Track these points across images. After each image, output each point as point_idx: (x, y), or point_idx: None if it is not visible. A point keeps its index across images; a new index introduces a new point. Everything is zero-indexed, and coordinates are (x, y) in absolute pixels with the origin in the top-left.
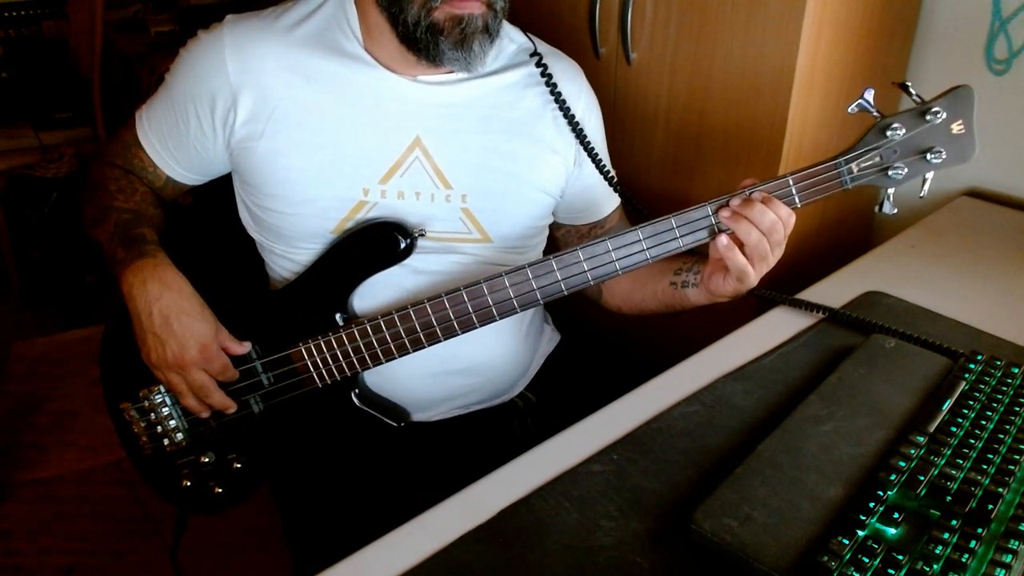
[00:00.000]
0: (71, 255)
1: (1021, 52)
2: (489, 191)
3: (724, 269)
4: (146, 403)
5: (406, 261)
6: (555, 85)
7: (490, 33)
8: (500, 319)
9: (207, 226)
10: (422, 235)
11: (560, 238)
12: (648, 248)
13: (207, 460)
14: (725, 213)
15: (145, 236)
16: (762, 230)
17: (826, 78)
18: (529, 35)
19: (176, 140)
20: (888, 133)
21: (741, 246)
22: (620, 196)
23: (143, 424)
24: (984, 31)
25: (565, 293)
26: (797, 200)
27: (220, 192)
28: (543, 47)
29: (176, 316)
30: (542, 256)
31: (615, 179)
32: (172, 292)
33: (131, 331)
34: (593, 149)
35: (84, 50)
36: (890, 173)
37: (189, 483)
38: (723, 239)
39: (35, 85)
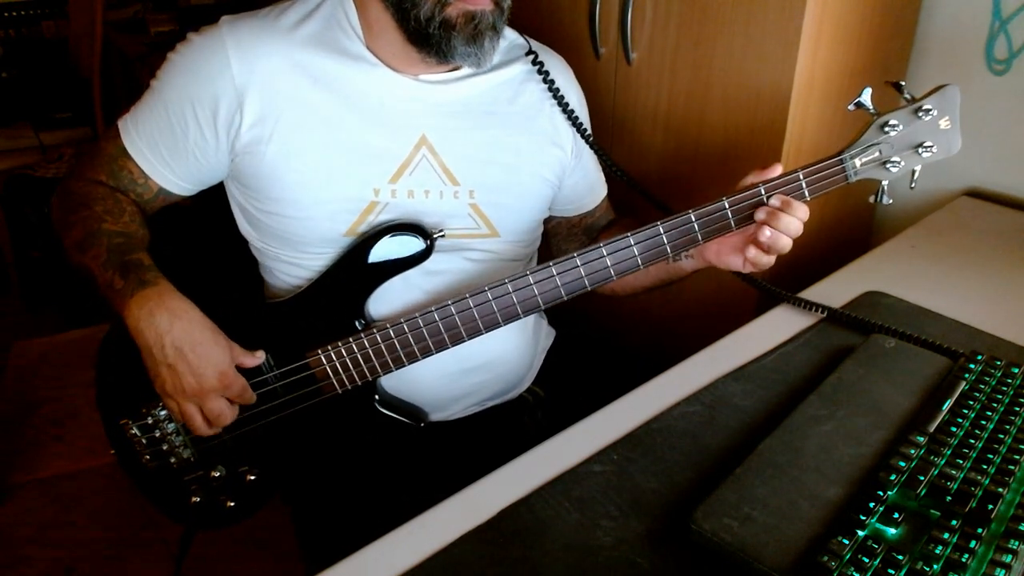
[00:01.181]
0: None
1: (1021, 52)
2: (495, 186)
3: (740, 251)
4: (149, 419)
5: None
6: (552, 80)
7: (497, 31)
8: (524, 317)
9: (205, 227)
10: (442, 236)
11: (550, 230)
12: (669, 243)
13: (217, 475)
14: (766, 233)
15: (143, 262)
16: (792, 234)
17: (826, 78)
18: (518, 31)
19: (171, 148)
20: (887, 129)
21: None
22: (625, 181)
23: (146, 441)
24: (984, 31)
25: (588, 289)
26: (807, 194)
27: (218, 193)
28: (533, 43)
29: (190, 347)
30: (538, 249)
31: (611, 162)
32: (182, 322)
33: (130, 346)
34: (591, 138)
35: (84, 50)
36: (888, 166)
37: (198, 499)
38: (751, 251)
39: (35, 85)
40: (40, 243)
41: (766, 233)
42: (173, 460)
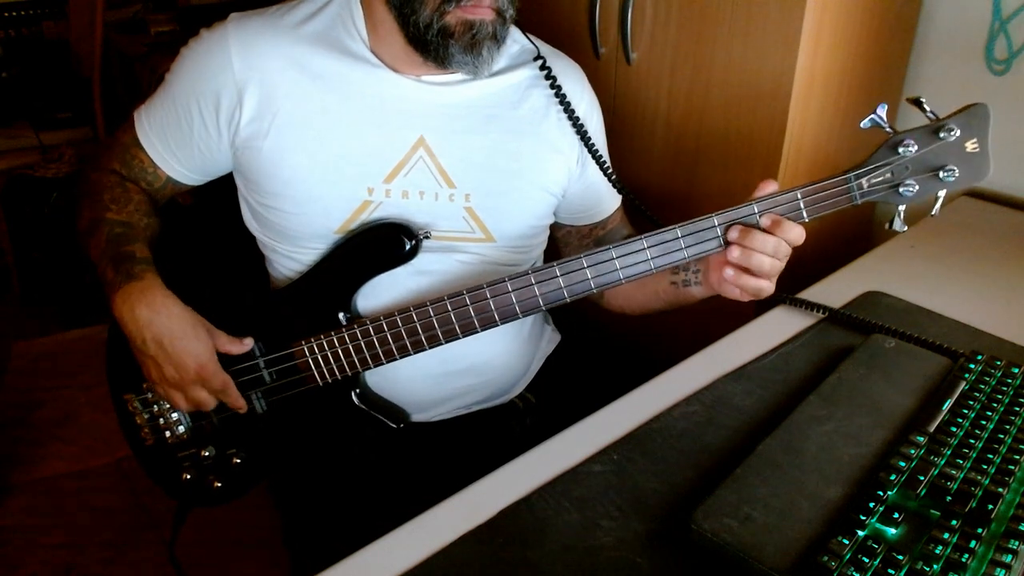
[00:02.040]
0: (71, 255)
1: (1021, 52)
2: (492, 190)
3: (738, 286)
4: (149, 395)
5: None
6: (559, 86)
7: (498, 40)
8: (502, 324)
9: (208, 225)
10: (427, 237)
11: (560, 239)
12: (652, 258)
13: (207, 454)
14: (735, 252)
15: (135, 254)
16: (769, 254)
17: (826, 78)
18: (529, 36)
19: (179, 140)
20: (900, 150)
21: (748, 270)
22: (624, 196)
23: (146, 416)
24: (984, 31)
25: (568, 300)
26: (805, 215)
27: (220, 192)
28: (544, 48)
29: (169, 340)
30: (542, 255)
31: (615, 176)
32: (161, 317)
33: None
34: (596, 149)
35: (84, 50)
36: (901, 190)
37: (189, 476)
38: (728, 271)
39: (35, 85)
40: (40, 243)
41: (734, 253)
42: (168, 435)
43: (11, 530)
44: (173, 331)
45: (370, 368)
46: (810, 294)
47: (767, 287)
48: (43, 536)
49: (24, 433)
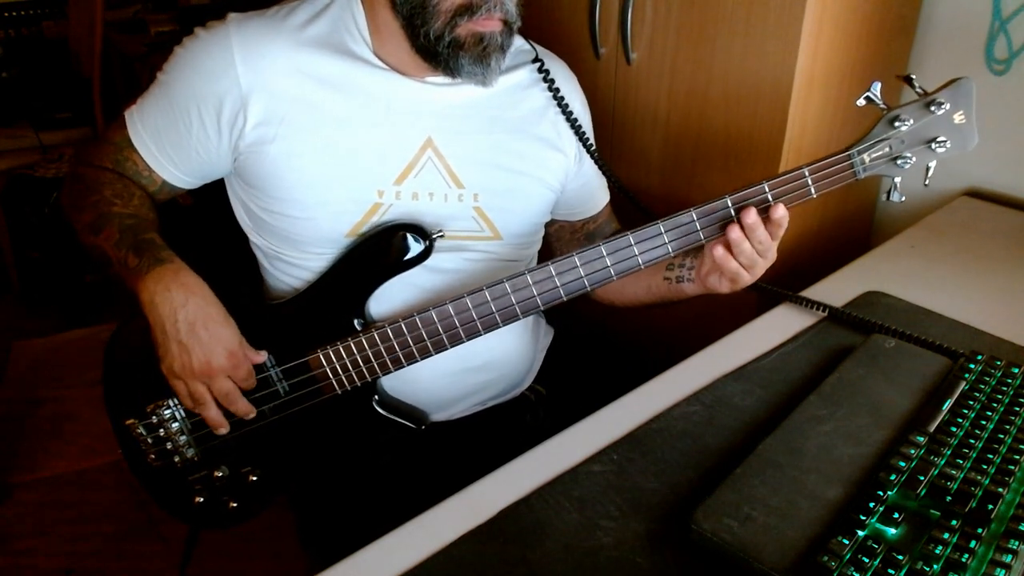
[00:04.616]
0: (71, 255)
1: (1021, 52)
2: (499, 189)
3: (719, 270)
4: (154, 418)
5: None
6: (557, 88)
7: (504, 50)
8: (523, 318)
9: (207, 228)
10: (441, 236)
11: (552, 234)
12: (670, 241)
13: (220, 475)
14: (734, 233)
15: (155, 241)
16: (748, 237)
17: (826, 79)
18: (524, 36)
19: (175, 143)
20: (896, 124)
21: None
22: (620, 191)
23: (151, 441)
24: (984, 31)
25: (588, 289)
26: (813, 190)
27: (220, 192)
28: (538, 49)
29: (203, 323)
30: (538, 252)
31: (610, 172)
32: (197, 298)
33: (136, 346)
34: (591, 145)
35: (84, 50)
36: (899, 162)
37: (201, 499)
38: (719, 250)
39: (35, 85)
40: (40, 243)
41: (734, 233)
42: (177, 459)
43: (11, 530)
44: (208, 314)
45: (390, 372)
46: (810, 294)
47: (743, 276)
48: (43, 536)
49: (24, 433)
